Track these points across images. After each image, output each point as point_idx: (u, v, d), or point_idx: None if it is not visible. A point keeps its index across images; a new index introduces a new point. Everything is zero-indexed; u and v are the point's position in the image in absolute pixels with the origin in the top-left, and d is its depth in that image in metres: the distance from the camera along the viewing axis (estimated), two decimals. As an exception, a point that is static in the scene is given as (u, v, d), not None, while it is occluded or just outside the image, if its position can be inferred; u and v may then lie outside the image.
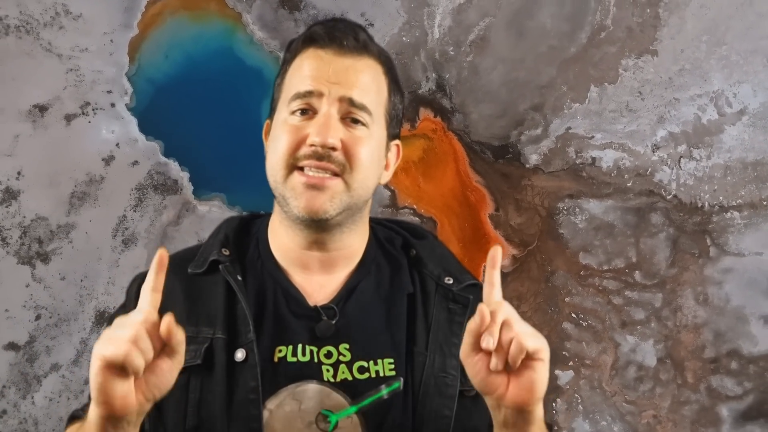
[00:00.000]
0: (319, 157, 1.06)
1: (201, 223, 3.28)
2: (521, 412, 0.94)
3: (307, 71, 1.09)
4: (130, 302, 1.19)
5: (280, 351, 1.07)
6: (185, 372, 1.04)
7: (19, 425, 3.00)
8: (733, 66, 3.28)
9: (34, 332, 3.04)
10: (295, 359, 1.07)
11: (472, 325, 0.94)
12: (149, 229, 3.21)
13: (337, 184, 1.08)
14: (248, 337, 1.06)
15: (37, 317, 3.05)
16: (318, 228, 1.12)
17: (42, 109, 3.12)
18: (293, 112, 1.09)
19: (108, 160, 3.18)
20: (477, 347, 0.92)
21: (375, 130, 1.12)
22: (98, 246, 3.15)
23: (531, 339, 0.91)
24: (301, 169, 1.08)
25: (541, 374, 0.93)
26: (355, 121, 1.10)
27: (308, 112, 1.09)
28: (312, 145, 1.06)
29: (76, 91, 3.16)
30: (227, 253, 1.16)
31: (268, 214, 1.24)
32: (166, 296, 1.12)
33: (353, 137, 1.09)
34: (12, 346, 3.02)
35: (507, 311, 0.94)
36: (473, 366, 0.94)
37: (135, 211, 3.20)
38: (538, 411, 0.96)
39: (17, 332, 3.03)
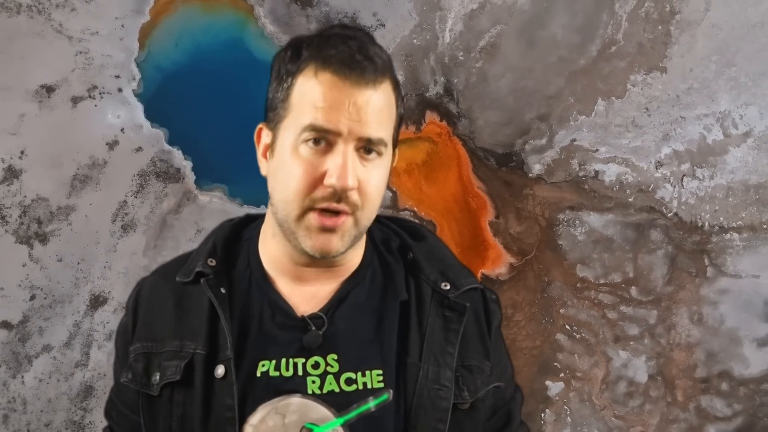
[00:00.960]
0: (337, 199, 1.01)
1: (201, 213, 3.28)
2: None
3: (323, 102, 1.01)
4: (129, 310, 1.16)
5: (263, 366, 1.04)
6: (168, 387, 1.06)
7: (7, 404, 3.00)
8: (742, 87, 3.28)
9: (28, 312, 3.04)
10: (277, 374, 1.04)
11: None
12: (149, 216, 3.21)
13: (347, 222, 1.04)
14: (227, 354, 1.04)
15: (32, 297, 3.05)
16: (323, 259, 1.08)
17: (49, 89, 3.12)
18: (305, 141, 1.02)
19: (112, 145, 3.18)
20: None
21: (386, 155, 1.07)
22: (97, 230, 3.15)
23: None
24: (314, 208, 1.03)
25: None
26: (370, 150, 1.03)
27: (321, 142, 1.01)
28: (330, 186, 1.00)
29: (84, 74, 3.16)
30: (213, 263, 1.11)
31: (262, 217, 1.19)
32: (157, 308, 1.12)
33: (367, 172, 1.03)
34: (5, 325, 3.02)
35: None
36: None
37: (136, 197, 3.20)
38: None
39: (11, 311, 3.03)
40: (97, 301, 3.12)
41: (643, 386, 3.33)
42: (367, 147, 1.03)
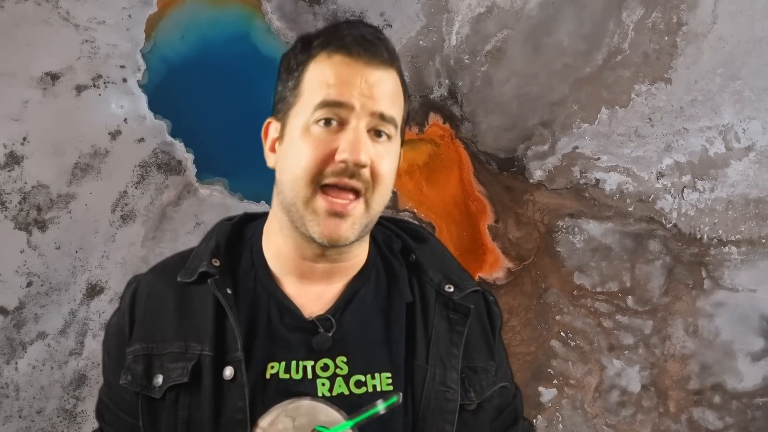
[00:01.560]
0: (349, 174, 1.00)
1: (201, 206, 3.28)
2: None
3: (336, 79, 1.01)
4: (124, 309, 1.14)
5: (272, 367, 1.03)
6: (174, 389, 1.04)
7: (0, 390, 3.00)
8: (745, 101, 3.28)
9: (24, 298, 3.04)
10: (287, 376, 1.03)
11: None
12: (149, 207, 3.20)
13: (358, 207, 1.03)
14: (236, 356, 1.03)
15: (29, 284, 3.05)
16: (332, 247, 1.07)
17: (54, 77, 3.12)
18: (317, 121, 1.02)
19: (114, 135, 3.19)
20: None
21: (395, 142, 1.06)
22: (96, 219, 3.15)
23: None
24: (324, 188, 1.02)
25: None
26: (380, 134, 1.03)
27: (332, 122, 1.01)
28: (342, 162, 1.00)
29: (89, 63, 3.17)
30: (218, 263, 1.10)
31: (262, 217, 1.19)
32: (157, 308, 1.10)
33: (379, 154, 1.03)
34: (1, 311, 3.02)
35: None
36: None
37: (136, 187, 3.20)
38: None
39: (7, 297, 3.03)
40: (93, 290, 3.12)
41: (636, 396, 3.33)
42: (377, 129, 1.03)
